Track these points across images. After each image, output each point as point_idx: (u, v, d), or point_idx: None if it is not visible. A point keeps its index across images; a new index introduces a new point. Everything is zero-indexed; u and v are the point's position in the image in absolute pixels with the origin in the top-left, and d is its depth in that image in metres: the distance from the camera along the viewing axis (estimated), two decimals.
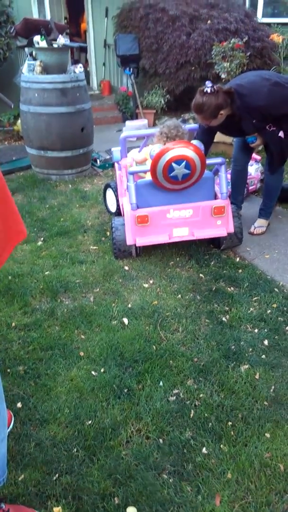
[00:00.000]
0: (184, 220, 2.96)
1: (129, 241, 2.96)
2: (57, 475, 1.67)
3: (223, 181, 3.00)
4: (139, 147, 3.43)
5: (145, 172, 3.05)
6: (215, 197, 3.06)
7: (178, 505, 1.56)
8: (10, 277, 2.90)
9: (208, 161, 2.90)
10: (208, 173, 2.99)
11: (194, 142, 2.90)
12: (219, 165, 3.04)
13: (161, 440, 1.80)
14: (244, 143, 3.35)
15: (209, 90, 2.77)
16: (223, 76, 6.25)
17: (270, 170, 3.29)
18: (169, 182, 2.84)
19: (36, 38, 4.56)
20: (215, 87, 2.78)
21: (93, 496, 1.59)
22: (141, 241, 2.97)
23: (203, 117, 2.89)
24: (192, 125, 3.16)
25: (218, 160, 3.02)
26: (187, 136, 3.01)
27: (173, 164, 2.73)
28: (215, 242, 3.21)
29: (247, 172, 3.62)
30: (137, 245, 2.99)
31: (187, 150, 2.71)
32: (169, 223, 2.96)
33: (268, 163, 3.29)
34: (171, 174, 2.78)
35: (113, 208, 3.74)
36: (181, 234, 3.00)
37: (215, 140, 3.36)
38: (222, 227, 3.01)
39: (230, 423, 1.86)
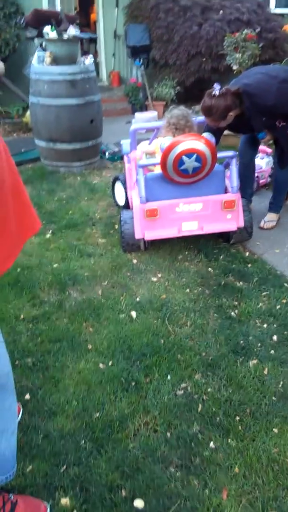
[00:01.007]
0: (194, 214, 2.94)
1: (137, 235, 2.95)
2: (64, 466, 1.68)
3: (233, 175, 2.96)
4: (149, 139, 3.41)
5: (154, 165, 3.03)
6: (226, 191, 3.04)
7: (185, 498, 1.56)
8: (19, 269, 2.91)
9: (219, 155, 2.87)
10: (218, 167, 2.95)
11: (205, 135, 2.88)
12: (230, 159, 2.99)
13: (168, 434, 1.80)
14: (250, 136, 3.31)
15: (217, 93, 2.76)
16: (234, 67, 6.17)
17: (280, 165, 3.25)
18: (179, 175, 2.81)
19: (46, 29, 4.54)
20: (223, 89, 2.77)
21: (100, 488, 1.60)
22: (150, 235, 2.95)
23: (212, 120, 2.89)
24: (201, 117, 3.13)
25: (229, 153, 2.98)
26: (196, 127, 2.97)
27: (184, 157, 2.69)
28: (224, 236, 3.18)
29: (255, 165, 3.58)
30: (145, 239, 2.97)
31: (198, 143, 2.68)
32: (178, 217, 2.93)
33: (278, 158, 3.26)
34: (182, 168, 2.75)
35: (121, 201, 3.72)
36: (191, 228, 2.97)
37: (224, 133, 3.33)
38: (232, 221, 2.98)
39: (238, 418, 1.86)
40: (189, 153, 2.69)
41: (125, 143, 3.52)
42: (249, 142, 3.38)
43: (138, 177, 2.91)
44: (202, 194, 2.94)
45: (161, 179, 2.89)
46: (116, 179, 3.77)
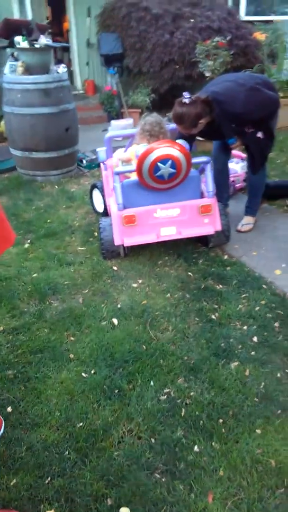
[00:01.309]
0: (171, 219, 2.96)
1: (117, 242, 2.96)
2: (49, 478, 1.66)
3: (209, 180, 3.00)
4: (125, 146, 3.43)
5: (131, 172, 3.05)
6: (202, 196, 3.07)
7: (171, 504, 1.56)
8: None
9: (194, 160, 2.91)
10: (194, 172, 2.99)
11: (180, 141, 2.90)
12: (204, 164, 3.03)
13: (153, 440, 1.80)
14: (222, 142, 3.36)
15: (187, 101, 2.80)
16: (207, 74, 6.27)
17: (252, 171, 3.31)
18: (155, 181, 2.84)
19: (18, 38, 4.53)
20: (193, 97, 2.82)
21: (86, 498, 1.59)
22: (129, 241, 2.96)
23: (184, 127, 2.93)
24: (174, 124, 3.17)
25: (204, 159, 3.03)
26: (169, 133, 3.00)
27: (159, 164, 2.73)
28: (202, 240, 3.21)
29: (229, 170, 3.63)
30: (125, 245, 2.99)
31: (173, 150, 2.72)
32: (156, 223, 2.96)
33: (249, 164, 3.32)
34: (157, 174, 2.78)
35: (100, 209, 3.73)
36: (169, 233, 3.00)
37: (200, 138, 3.37)
38: (209, 225, 3.02)
39: (221, 420, 1.87)
40: (164, 159, 2.72)
41: (101, 151, 3.53)
42: (222, 148, 3.42)
43: (115, 184, 2.92)
44: (179, 199, 2.97)
45: (138, 186, 2.92)
46: (93, 186, 3.77)
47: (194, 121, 2.86)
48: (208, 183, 3.01)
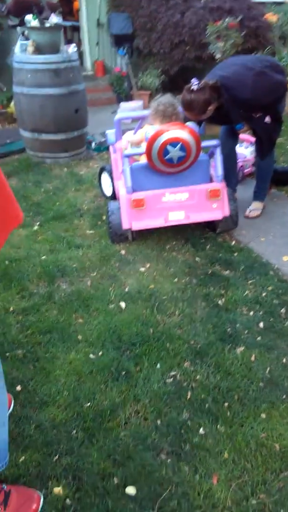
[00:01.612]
0: (180, 204, 2.95)
1: (125, 225, 2.96)
2: (57, 456, 1.70)
3: (218, 164, 2.98)
4: (134, 129, 3.40)
5: (140, 155, 3.03)
6: (211, 180, 3.05)
7: (176, 484, 1.60)
8: (7, 262, 2.90)
9: (203, 144, 2.88)
10: (203, 156, 2.96)
11: (189, 124, 2.87)
12: (214, 148, 3.00)
13: (158, 421, 1.83)
14: (229, 127, 3.33)
15: (195, 88, 2.76)
16: (218, 56, 6.17)
17: (260, 156, 3.28)
18: (165, 165, 2.82)
19: (28, 17, 4.47)
20: (201, 83, 2.78)
21: (92, 476, 1.63)
22: (137, 225, 2.96)
23: (193, 114, 2.89)
24: None
25: (213, 142, 2.99)
26: (183, 115, 2.97)
27: (168, 147, 2.71)
28: (210, 226, 3.21)
29: (236, 155, 3.60)
30: (132, 229, 2.98)
31: (182, 132, 2.70)
32: (164, 207, 2.95)
33: (257, 149, 3.29)
34: (166, 157, 2.76)
35: (108, 192, 3.72)
36: (177, 217, 2.99)
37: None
38: (217, 210, 3.00)
39: (226, 404, 1.89)
40: (173, 142, 2.70)
41: (110, 133, 3.50)
42: (229, 133, 3.38)
43: (124, 167, 2.90)
44: (187, 183, 2.95)
45: (147, 169, 2.90)
46: (102, 169, 3.75)
47: (203, 108, 2.84)
48: (217, 167, 2.99)
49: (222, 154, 3.42)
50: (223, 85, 2.82)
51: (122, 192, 2.98)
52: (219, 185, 2.98)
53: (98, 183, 3.89)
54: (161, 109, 2.91)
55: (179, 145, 2.71)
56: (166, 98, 2.97)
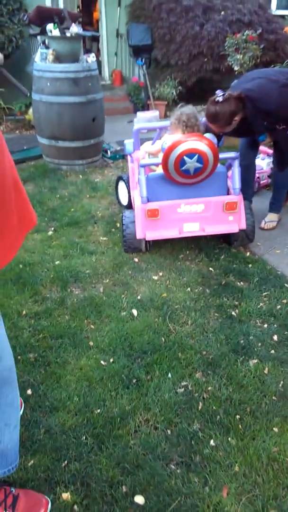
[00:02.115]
0: (195, 215, 2.93)
1: (139, 235, 2.94)
2: (66, 461, 1.69)
3: (236, 176, 2.95)
4: (152, 139, 3.41)
5: (156, 165, 3.02)
6: (228, 192, 3.02)
7: (185, 495, 1.57)
8: (21, 266, 2.92)
9: (221, 156, 2.87)
10: (221, 168, 2.94)
11: (207, 135, 2.87)
12: (232, 160, 2.98)
13: (169, 431, 1.81)
14: (251, 138, 3.32)
15: (221, 99, 2.75)
16: (236, 68, 6.20)
17: (279, 168, 3.27)
18: (181, 176, 2.81)
19: (49, 26, 4.55)
20: (226, 94, 2.76)
21: (101, 483, 1.61)
22: (151, 235, 2.94)
23: (218, 126, 2.86)
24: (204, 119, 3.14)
25: (232, 154, 2.97)
26: (203, 127, 2.96)
27: (185, 158, 2.69)
28: (226, 239, 3.18)
29: (255, 166, 3.59)
30: (146, 239, 2.96)
31: (200, 144, 2.67)
32: (179, 218, 2.92)
33: (277, 161, 3.27)
34: (183, 168, 2.75)
35: (124, 201, 3.72)
36: (192, 229, 2.96)
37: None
38: (234, 223, 2.97)
39: (238, 416, 1.87)
40: (190, 154, 2.68)
41: (128, 143, 3.50)
42: (250, 144, 3.38)
43: (140, 177, 2.90)
44: (204, 195, 2.92)
45: (163, 179, 2.89)
46: (119, 178, 3.77)
47: (229, 119, 2.81)
48: (234, 179, 2.95)
49: (242, 165, 3.40)
50: (248, 97, 2.80)
51: (137, 201, 2.97)
52: (236, 197, 2.94)
53: (115, 192, 3.90)
54: (184, 119, 2.88)
55: (196, 157, 2.69)
56: (189, 109, 2.94)
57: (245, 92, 2.82)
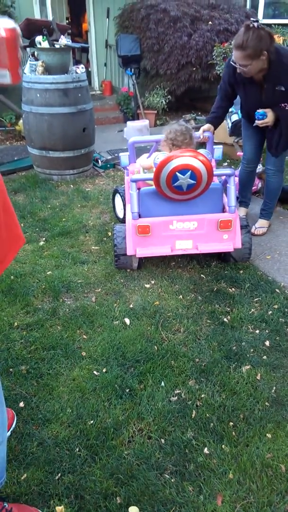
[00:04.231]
0: (188, 233, 2.82)
1: (129, 251, 2.84)
2: (59, 474, 1.67)
3: (231, 194, 2.82)
4: (149, 152, 3.35)
5: (147, 180, 2.94)
6: (224, 210, 2.90)
7: (180, 505, 1.57)
8: (12, 277, 2.91)
9: (217, 172, 2.79)
10: (216, 184, 2.85)
11: (202, 151, 2.79)
12: (228, 177, 2.86)
13: (163, 440, 1.80)
14: (258, 143, 3.34)
15: (256, 25, 2.60)
16: None
17: (274, 153, 3.17)
18: (173, 192, 2.71)
19: (38, 38, 4.57)
20: (260, 24, 2.63)
21: (95, 495, 1.60)
22: (142, 252, 2.84)
23: (246, 55, 2.67)
24: (196, 133, 3.08)
25: (228, 171, 2.85)
26: (195, 144, 2.87)
27: (178, 174, 2.59)
28: (221, 256, 3.09)
29: (255, 173, 3.64)
30: (137, 256, 2.87)
31: (193, 160, 2.57)
32: (171, 235, 2.82)
33: (272, 146, 3.14)
34: (175, 184, 2.64)
35: (121, 214, 3.65)
36: (184, 247, 2.86)
37: (216, 140, 3.36)
38: (228, 242, 2.85)
39: (231, 423, 1.87)
40: (183, 170, 2.58)
41: (124, 156, 3.41)
42: (257, 150, 3.40)
43: (131, 192, 2.82)
44: (198, 211, 2.82)
45: (156, 195, 2.79)
46: (116, 191, 3.69)
47: (258, 51, 2.64)
48: (230, 197, 2.82)
49: (247, 171, 3.38)
50: (276, 49, 2.72)
51: (128, 217, 2.88)
52: (231, 215, 2.81)
53: (112, 205, 3.84)
54: (171, 137, 2.79)
55: (189, 173, 2.59)
56: (179, 126, 2.82)
57: (275, 46, 2.73)
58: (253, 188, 4.12)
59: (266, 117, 2.97)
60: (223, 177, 3.02)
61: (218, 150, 3.32)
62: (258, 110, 2.98)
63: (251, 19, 2.68)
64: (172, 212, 2.83)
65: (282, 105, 2.90)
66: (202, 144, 3.31)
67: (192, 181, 2.63)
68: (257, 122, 3.02)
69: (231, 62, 2.84)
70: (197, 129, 5.88)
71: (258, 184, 4.18)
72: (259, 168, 4.11)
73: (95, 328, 2.45)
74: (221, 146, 3.36)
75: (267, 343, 2.33)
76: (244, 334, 2.40)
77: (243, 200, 3.65)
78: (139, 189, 2.87)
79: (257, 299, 2.68)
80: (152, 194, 2.80)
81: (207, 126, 3.23)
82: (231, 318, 2.52)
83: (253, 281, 2.84)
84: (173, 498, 1.59)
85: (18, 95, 4.84)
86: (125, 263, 2.96)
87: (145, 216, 2.84)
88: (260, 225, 3.49)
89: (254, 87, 2.92)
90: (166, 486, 1.63)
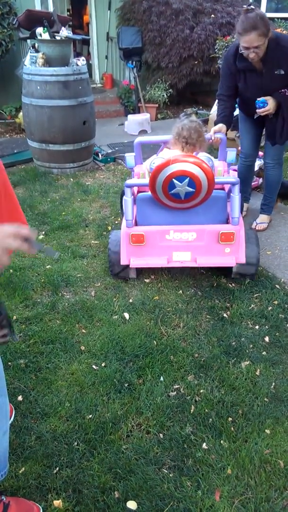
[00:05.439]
0: (186, 244, 2.62)
1: (123, 261, 2.68)
2: (57, 468, 1.67)
3: (235, 204, 2.56)
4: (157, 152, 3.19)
5: (142, 186, 2.75)
6: (228, 221, 2.66)
7: (178, 499, 1.57)
8: (11, 270, 2.90)
9: (219, 180, 2.56)
10: (220, 192, 2.61)
11: (203, 157, 2.59)
12: (232, 185, 2.58)
13: (161, 435, 1.80)
14: (256, 136, 3.32)
15: (253, 7, 2.65)
16: None
17: (280, 141, 3.10)
18: (171, 200, 2.51)
19: (39, 30, 4.54)
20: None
21: (93, 489, 1.60)
22: (136, 262, 2.67)
23: (261, 33, 2.65)
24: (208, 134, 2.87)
25: (232, 179, 2.60)
26: (207, 144, 2.63)
27: (174, 181, 2.39)
28: (223, 270, 2.83)
29: (254, 168, 3.63)
30: (131, 266, 2.70)
31: (191, 166, 2.34)
32: (168, 245, 2.63)
33: (276, 135, 3.07)
34: (172, 192, 2.44)
35: None
36: (182, 259, 2.66)
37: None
38: (230, 256, 2.63)
39: (230, 419, 1.87)
40: (180, 176, 2.37)
41: (129, 157, 3.19)
42: (255, 145, 3.38)
43: (125, 198, 2.61)
44: (200, 221, 2.62)
45: (155, 201, 2.59)
46: (124, 192, 3.58)
47: (268, 26, 2.65)
48: (233, 207, 2.57)
49: (245, 165, 3.31)
50: (277, 36, 2.76)
51: (123, 224, 2.69)
52: (233, 227, 2.57)
53: (120, 206, 3.62)
54: (185, 135, 2.48)
55: (186, 180, 2.38)
56: (191, 123, 2.53)
57: (273, 33, 2.75)
58: (254, 183, 4.11)
59: (267, 105, 2.91)
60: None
61: (232, 153, 3.13)
62: (258, 99, 2.92)
63: (244, 6, 2.73)
64: (171, 221, 2.63)
65: (283, 90, 2.87)
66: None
67: (191, 189, 2.42)
68: (258, 111, 2.95)
69: (241, 51, 2.79)
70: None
71: (258, 179, 4.16)
72: (257, 165, 4.10)
73: (94, 323, 2.45)
74: (234, 149, 3.19)
75: (267, 339, 2.32)
76: (244, 329, 2.39)
77: (243, 195, 3.63)
78: (139, 192, 2.69)
79: (257, 294, 2.67)
80: (150, 200, 2.60)
81: (218, 126, 3.02)
82: (231, 313, 2.51)
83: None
84: (171, 493, 1.59)
85: (19, 87, 4.81)
86: (119, 271, 2.78)
87: (142, 224, 2.67)
88: (261, 220, 3.48)
89: (254, 73, 2.89)
90: (164, 481, 1.62)
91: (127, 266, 2.73)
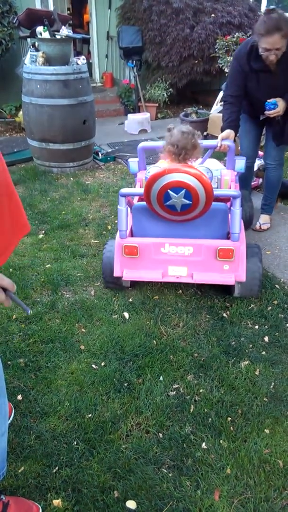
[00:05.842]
0: (183, 258, 2.49)
1: (116, 272, 2.57)
2: (57, 467, 1.67)
3: (236, 218, 2.39)
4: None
5: (137, 195, 2.66)
6: (228, 235, 2.51)
7: (177, 499, 1.57)
8: (11, 269, 2.90)
9: (219, 192, 2.39)
10: (221, 205, 2.45)
11: (201, 168, 2.48)
12: (233, 199, 2.42)
13: (160, 435, 1.80)
14: (256, 138, 3.32)
15: (275, 7, 2.63)
16: (226, 70, 6.20)
17: (279, 142, 3.10)
18: (167, 212, 2.38)
19: (39, 28, 4.53)
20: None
21: (92, 489, 1.60)
22: (130, 275, 2.55)
23: (284, 35, 2.61)
24: (205, 141, 2.76)
25: (234, 192, 2.42)
26: (200, 150, 2.48)
27: (170, 192, 2.26)
28: (224, 287, 2.68)
29: (254, 168, 3.63)
30: (124, 279, 2.59)
31: (188, 177, 2.20)
32: (163, 259, 2.50)
33: (281, 136, 3.06)
34: (168, 203, 2.31)
35: None
36: (178, 273, 2.52)
37: (216, 134, 3.33)
38: (229, 274, 2.48)
39: (229, 418, 1.87)
40: (176, 188, 2.24)
41: (133, 162, 3.09)
42: (255, 145, 3.38)
43: (119, 207, 2.49)
44: (199, 235, 2.49)
45: (151, 212, 2.46)
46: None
47: None
48: (234, 222, 2.40)
49: (246, 166, 3.28)
50: None
51: (117, 235, 2.57)
52: (232, 244, 2.41)
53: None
54: (173, 141, 2.36)
55: (183, 192, 2.24)
56: (183, 130, 2.38)
57: None
58: (254, 183, 4.11)
59: (277, 106, 2.89)
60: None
61: (241, 162, 3.00)
62: (268, 100, 2.89)
63: (265, 8, 2.72)
64: (169, 233, 2.51)
65: None
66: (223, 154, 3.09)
67: (187, 201, 2.29)
68: (268, 113, 2.92)
69: (261, 53, 2.74)
70: (199, 123, 5.87)
71: (258, 179, 4.16)
72: (256, 165, 4.10)
73: (93, 322, 2.45)
74: (244, 157, 3.07)
75: (266, 338, 2.32)
76: (243, 329, 2.39)
77: (244, 187, 3.63)
78: (140, 201, 2.62)
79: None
80: (147, 210, 2.47)
81: (226, 133, 2.92)
82: (231, 313, 2.51)
83: None
84: (171, 492, 1.59)
85: (19, 86, 4.80)
86: (112, 281, 2.68)
87: (139, 235, 2.57)
88: (264, 220, 3.48)
89: (268, 74, 2.86)
90: (163, 481, 1.63)
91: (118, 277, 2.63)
